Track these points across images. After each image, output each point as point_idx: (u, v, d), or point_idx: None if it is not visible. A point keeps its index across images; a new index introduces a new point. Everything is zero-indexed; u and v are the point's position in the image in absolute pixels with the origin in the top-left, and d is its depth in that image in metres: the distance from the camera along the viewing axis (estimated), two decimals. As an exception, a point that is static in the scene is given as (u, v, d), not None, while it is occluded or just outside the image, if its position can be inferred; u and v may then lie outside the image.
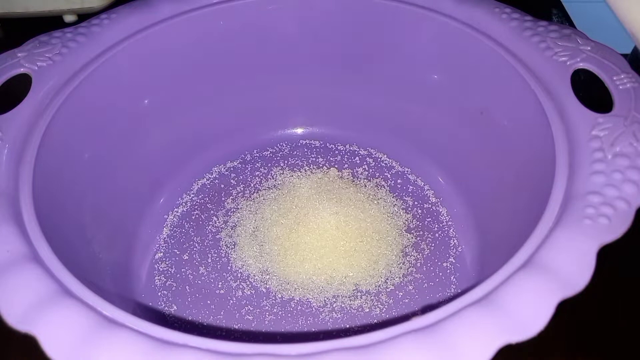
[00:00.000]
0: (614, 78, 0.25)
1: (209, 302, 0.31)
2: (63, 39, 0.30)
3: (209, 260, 0.33)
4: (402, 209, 0.35)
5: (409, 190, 0.37)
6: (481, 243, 0.32)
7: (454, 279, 0.32)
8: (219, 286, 0.32)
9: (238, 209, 0.36)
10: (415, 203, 0.36)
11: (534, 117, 0.26)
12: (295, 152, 0.40)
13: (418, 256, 0.32)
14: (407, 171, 0.38)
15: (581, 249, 0.19)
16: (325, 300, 0.30)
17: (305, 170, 0.38)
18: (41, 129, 0.26)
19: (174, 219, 0.36)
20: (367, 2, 0.33)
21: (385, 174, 0.38)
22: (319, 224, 0.32)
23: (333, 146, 0.40)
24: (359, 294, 0.31)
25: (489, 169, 0.32)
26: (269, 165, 0.39)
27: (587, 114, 0.24)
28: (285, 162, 0.39)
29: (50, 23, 0.40)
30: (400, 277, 0.31)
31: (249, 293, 0.31)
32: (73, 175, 0.28)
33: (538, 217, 0.21)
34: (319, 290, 0.31)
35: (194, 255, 0.34)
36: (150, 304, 0.31)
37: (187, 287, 0.32)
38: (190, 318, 0.30)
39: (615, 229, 0.20)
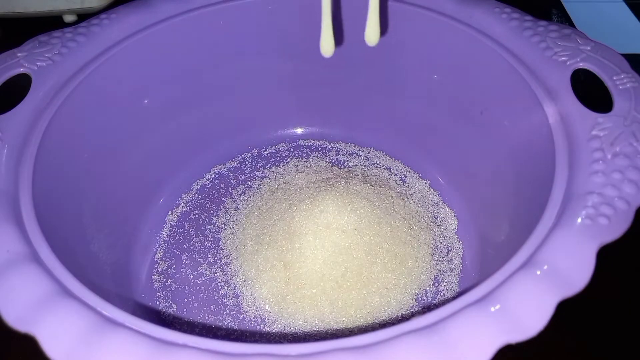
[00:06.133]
0: (614, 78, 0.25)
1: (208, 302, 0.31)
2: (63, 39, 0.30)
3: (209, 260, 0.33)
4: (402, 209, 0.35)
5: (409, 190, 0.37)
6: (481, 243, 0.32)
7: (454, 279, 0.32)
8: (219, 286, 0.32)
9: (238, 209, 0.36)
10: (416, 203, 0.36)
11: (534, 117, 0.26)
12: (294, 152, 0.40)
13: (418, 256, 0.32)
14: (407, 171, 0.38)
15: (581, 249, 0.19)
16: (324, 299, 0.30)
17: (305, 170, 0.38)
18: (41, 129, 0.26)
19: (174, 219, 0.36)
20: (367, 2, 0.33)
21: (385, 174, 0.38)
22: (319, 223, 0.32)
23: (333, 146, 0.40)
24: (359, 293, 0.31)
25: (488, 169, 0.32)
26: (269, 165, 0.39)
27: (587, 114, 0.24)
28: (285, 162, 0.39)
29: (50, 23, 0.40)
30: (399, 277, 0.31)
31: (248, 293, 0.31)
32: (73, 176, 0.28)
33: (538, 217, 0.21)
34: (320, 289, 0.31)
35: (194, 256, 0.34)
36: (150, 304, 0.31)
37: (186, 287, 0.32)
38: (189, 318, 0.30)
39: (615, 229, 0.20)
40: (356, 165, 0.39)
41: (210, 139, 0.39)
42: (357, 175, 0.37)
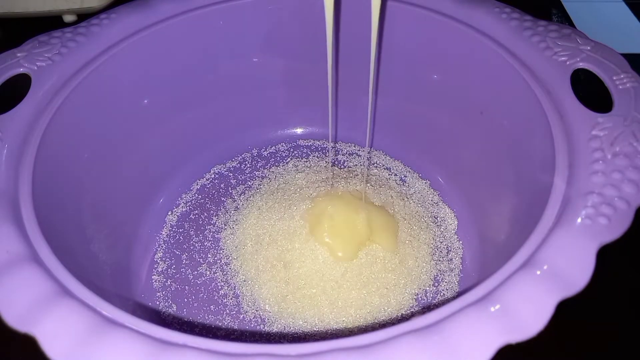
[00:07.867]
0: (614, 78, 0.25)
1: (208, 302, 0.31)
2: (62, 39, 0.30)
3: (209, 260, 0.33)
4: (402, 209, 0.35)
5: (409, 190, 0.37)
6: (481, 243, 0.32)
7: (454, 279, 0.32)
8: (219, 286, 0.32)
9: (238, 209, 0.36)
10: (416, 203, 0.36)
11: (534, 117, 0.26)
12: (294, 152, 0.40)
13: (417, 256, 0.32)
14: (407, 171, 0.38)
15: (581, 249, 0.19)
16: (324, 299, 0.30)
17: (305, 170, 0.38)
18: (41, 129, 0.26)
19: (174, 219, 0.36)
20: (367, 2, 0.33)
21: (385, 174, 0.38)
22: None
23: (333, 146, 0.40)
24: (359, 293, 0.31)
25: (488, 169, 0.32)
26: (269, 165, 0.39)
27: (586, 114, 0.24)
28: (285, 162, 0.39)
29: (50, 23, 0.40)
30: (399, 277, 0.31)
31: (248, 293, 0.31)
32: (73, 175, 0.28)
33: (538, 217, 0.21)
34: (320, 289, 0.31)
35: (194, 255, 0.34)
36: (149, 304, 0.31)
37: (186, 287, 0.32)
38: (189, 318, 0.30)
39: (615, 229, 0.20)
40: (356, 165, 0.39)
41: (210, 139, 0.39)
42: (357, 175, 0.37)
